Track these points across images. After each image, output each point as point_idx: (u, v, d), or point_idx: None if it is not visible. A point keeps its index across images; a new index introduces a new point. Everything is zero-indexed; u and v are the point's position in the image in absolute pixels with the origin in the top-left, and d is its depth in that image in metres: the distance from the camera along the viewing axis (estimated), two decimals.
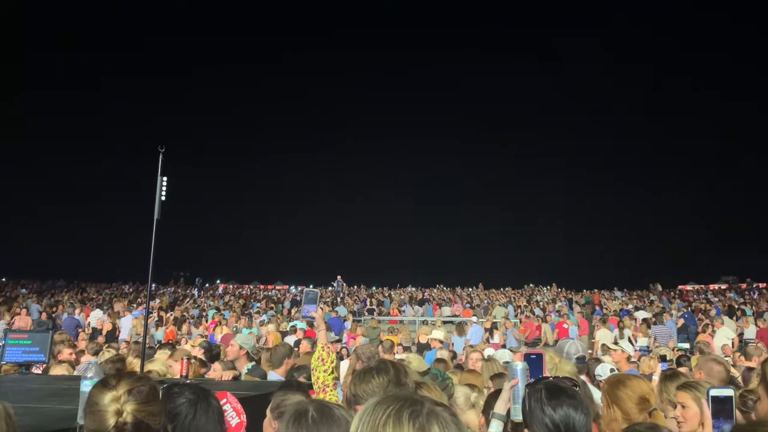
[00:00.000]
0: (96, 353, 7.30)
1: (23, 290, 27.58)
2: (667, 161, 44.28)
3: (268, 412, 2.74)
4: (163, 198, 5.30)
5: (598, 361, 6.85)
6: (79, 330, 16.76)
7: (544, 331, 17.93)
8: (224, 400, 2.38)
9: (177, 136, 42.66)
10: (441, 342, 12.05)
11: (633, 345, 13.25)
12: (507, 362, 6.57)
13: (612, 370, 5.62)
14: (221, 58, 45.21)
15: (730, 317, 17.91)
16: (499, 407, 2.32)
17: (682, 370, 6.25)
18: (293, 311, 22.19)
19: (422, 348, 13.12)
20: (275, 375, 6.03)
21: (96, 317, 18.19)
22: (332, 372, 3.64)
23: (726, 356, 10.24)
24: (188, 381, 4.46)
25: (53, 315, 19.26)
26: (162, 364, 5.97)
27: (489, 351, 8.61)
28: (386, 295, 29.32)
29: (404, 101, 49.74)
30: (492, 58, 44.91)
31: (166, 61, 44.19)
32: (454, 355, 10.80)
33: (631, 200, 45.25)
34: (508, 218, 45.33)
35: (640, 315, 19.09)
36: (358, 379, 2.27)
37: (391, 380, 2.22)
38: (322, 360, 3.64)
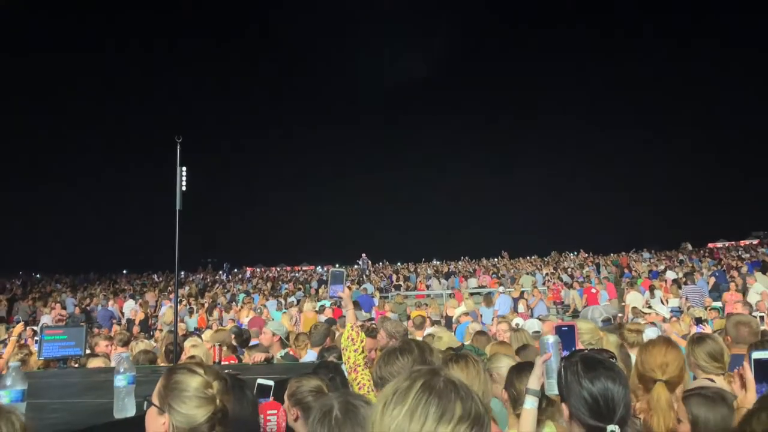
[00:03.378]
0: (125, 344, 7.42)
1: (57, 285, 28.19)
2: (691, 119, 43.22)
3: (285, 398, 2.76)
4: (184, 188, 5.32)
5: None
6: (113, 321, 17.14)
7: (573, 298, 17.78)
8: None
9: (194, 124, 42.97)
10: (467, 314, 12.00)
11: (665, 306, 13.11)
12: (536, 332, 6.51)
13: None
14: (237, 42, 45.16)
15: (763, 273, 17.55)
16: (533, 382, 2.27)
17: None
18: (321, 290, 22.35)
19: (451, 321, 13.12)
20: (313, 354, 6.06)
21: (129, 308, 18.54)
22: (362, 351, 3.63)
23: (761, 312, 10.07)
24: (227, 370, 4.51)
25: (87, 308, 19.69)
26: (204, 350, 6.04)
27: (517, 320, 8.55)
28: (412, 270, 29.35)
29: (420, 79, 49.25)
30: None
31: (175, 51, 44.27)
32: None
33: (656, 160, 44.44)
34: (530, 185, 44.93)
35: (670, 275, 18.83)
36: (383, 361, 2.26)
37: (415, 360, 2.19)
38: (352, 340, 3.63)
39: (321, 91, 49.24)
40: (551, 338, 2.27)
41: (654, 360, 2.92)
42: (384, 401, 1.33)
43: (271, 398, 2.77)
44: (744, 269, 18.83)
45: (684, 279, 16.55)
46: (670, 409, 2.61)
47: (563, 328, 2.47)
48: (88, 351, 6.31)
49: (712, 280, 17.04)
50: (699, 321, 7.67)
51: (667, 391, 2.68)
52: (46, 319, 15.46)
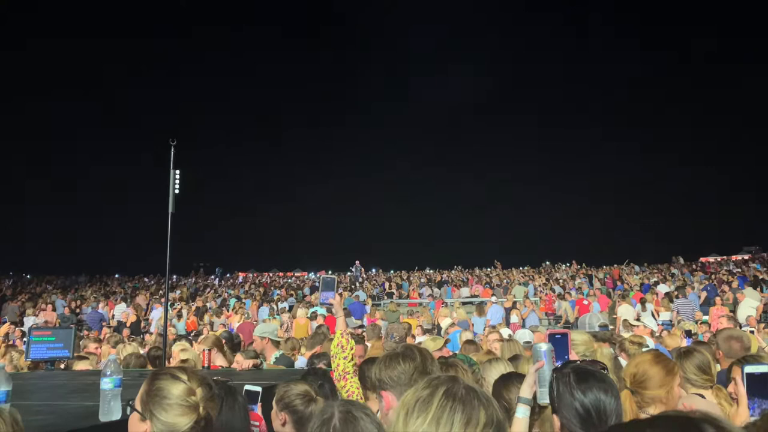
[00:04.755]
0: (117, 345, 7.37)
1: (48, 286, 27.98)
2: (683, 132, 43.46)
3: (273, 403, 2.74)
4: (177, 191, 5.29)
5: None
6: (103, 324, 17.02)
7: (565, 309, 17.79)
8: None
9: (188, 126, 42.89)
10: (453, 324, 11.89)
11: (655, 320, 13.12)
12: (528, 342, 6.50)
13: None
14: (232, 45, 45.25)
15: (755, 288, 17.63)
16: (525, 391, 2.26)
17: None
18: (313, 297, 22.27)
19: (442, 331, 13.05)
20: (304, 359, 6.03)
21: (121, 311, 18.43)
22: (352, 359, 3.61)
23: (751, 328, 10.09)
24: (216, 375, 4.47)
25: (77, 311, 19.56)
26: (194, 354, 5.99)
27: (505, 331, 8.52)
28: (404, 278, 29.33)
29: (418, 81, 49.34)
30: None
31: (169, 50, 44.29)
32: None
33: (650, 173, 44.66)
34: (524, 196, 45.08)
35: (662, 289, 18.87)
36: (384, 364, 2.23)
37: (417, 367, 2.17)
38: (342, 347, 3.61)
39: (315, 96, 49.37)
40: (544, 346, 2.24)
41: (627, 369, 2.98)
42: (406, 410, 1.34)
43: (259, 404, 2.75)
44: (735, 284, 18.90)
45: (676, 293, 16.59)
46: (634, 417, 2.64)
47: (556, 336, 2.44)
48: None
49: (704, 294, 17.08)
50: (689, 334, 7.68)
51: (631, 400, 2.70)
52: (30, 321, 15.28)
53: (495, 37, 44.49)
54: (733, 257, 29.75)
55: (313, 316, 14.08)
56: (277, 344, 6.51)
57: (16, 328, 14.25)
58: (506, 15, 46.13)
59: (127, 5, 43.20)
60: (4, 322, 15.10)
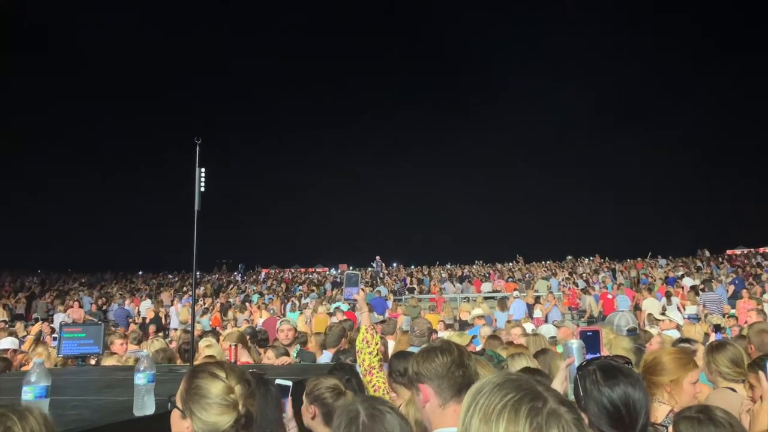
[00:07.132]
0: (139, 342, 7.51)
1: (74, 284, 28.51)
2: (710, 125, 42.62)
3: (303, 397, 2.80)
4: (203, 189, 5.35)
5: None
6: (130, 320, 17.30)
7: (589, 303, 17.64)
8: None
9: (210, 123, 43.22)
10: (481, 317, 11.88)
11: (681, 313, 12.94)
12: (552, 337, 6.48)
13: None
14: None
15: None
16: (557, 386, 2.26)
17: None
18: (334, 292, 22.40)
19: (464, 325, 13.05)
20: (328, 354, 6.09)
21: (146, 307, 18.74)
22: (377, 354, 3.64)
23: None
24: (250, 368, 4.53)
25: (104, 307, 19.90)
26: (219, 351, 6.07)
27: (528, 326, 8.47)
28: (425, 273, 29.31)
29: (439, 79, 49.15)
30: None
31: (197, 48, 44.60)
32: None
33: (674, 165, 43.91)
34: (546, 189, 44.69)
35: (687, 282, 18.61)
36: (422, 357, 2.25)
37: (454, 361, 2.19)
38: (367, 342, 3.65)
39: (337, 94, 49.41)
40: (575, 343, 2.25)
41: (644, 358, 2.99)
42: None
43: (290, 398, 2.80)
44: (765, 276, 18.56)
45: (702, 286, 16.34)
46: None
47: (588, 333, 2.45)
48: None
49: (732, 287, 16.80)
50: (718, 329, 7.58)
51: None
52: (59, 318, 15.60)
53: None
54: (761, 249, 29.13)
55: (334, 312, 14.16)
56: (296, 340, 6.56)
57: (47, 324, 14.57)
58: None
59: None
60: (37, 320, 15.43)
